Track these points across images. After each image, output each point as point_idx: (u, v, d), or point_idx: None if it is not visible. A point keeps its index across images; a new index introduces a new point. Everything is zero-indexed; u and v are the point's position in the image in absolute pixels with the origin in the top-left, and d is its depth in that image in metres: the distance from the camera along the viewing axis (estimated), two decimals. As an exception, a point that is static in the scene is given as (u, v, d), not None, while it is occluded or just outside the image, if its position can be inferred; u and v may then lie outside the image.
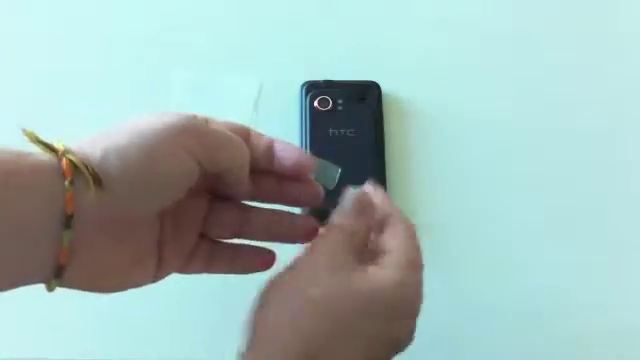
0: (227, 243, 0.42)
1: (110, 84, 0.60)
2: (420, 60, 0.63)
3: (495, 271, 0.52)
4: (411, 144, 0.58)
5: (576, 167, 0.58)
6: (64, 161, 0.33)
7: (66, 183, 0.32)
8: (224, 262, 0.42)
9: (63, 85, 0.60)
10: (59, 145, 0.34)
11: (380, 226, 0.41)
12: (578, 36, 0.64)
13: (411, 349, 0.39)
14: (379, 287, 0.37)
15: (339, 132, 0.57)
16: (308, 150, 0.56)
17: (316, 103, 0.58)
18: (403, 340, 0.39)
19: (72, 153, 0.33)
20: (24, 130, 0.34)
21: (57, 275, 0.33)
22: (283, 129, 0.58)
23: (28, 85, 0.60)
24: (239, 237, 0.42)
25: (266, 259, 0.42)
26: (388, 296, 0.37)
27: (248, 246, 0.42)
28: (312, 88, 0.58)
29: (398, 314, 0.38)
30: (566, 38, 0.64)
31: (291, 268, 0.38)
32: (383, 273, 0.38)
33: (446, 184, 0.57)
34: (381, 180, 0.55)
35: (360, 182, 0.54)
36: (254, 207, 0.42)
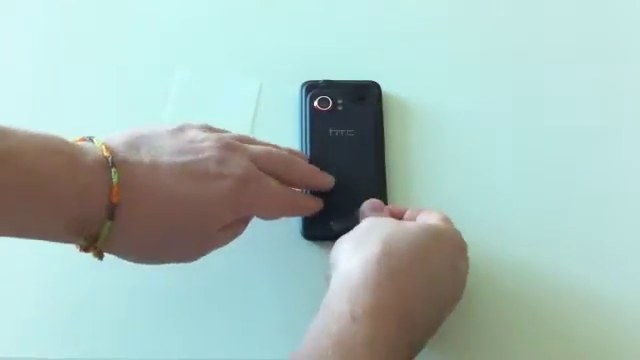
0: None
1: (110, 82, 0.60)
2: (420, 60, 0.63)
3: (497, 271, 0.52)
4: (411, 144, 0.58)
5: (576, 164, 0.58)
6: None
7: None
8: None
9: (61, 83, 0.60)
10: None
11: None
12: (578, 36, 0.64)
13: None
14: (425, 226, 0.45)
15: (339, 132, 0.57)
16: (308, 150, 0.56)
17: (316, 103, 0.57)
18: (463, 274, 0.46)
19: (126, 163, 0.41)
20: (88, 138, 0.42)
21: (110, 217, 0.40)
22: (283, 129, 0.58)
23: (27, 80, 0.60)
24: None
25: None
26: (435, 230, 0.45)
27: None
28: (312, 88, 0.58)
29: (449, 246, 0.45)
30: (566, 37, 0.64)
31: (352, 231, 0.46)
32: (425, 217, 0.48)
33: (447, 184, 0.56)
34: (381, 180, 0.55)
35: (360, 182, 0.54)
36: None
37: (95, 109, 0.59)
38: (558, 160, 0.58)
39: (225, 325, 0.50)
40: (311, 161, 0.54)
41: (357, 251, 0.43)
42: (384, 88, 0.59)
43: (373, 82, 0.59)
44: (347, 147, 0.56)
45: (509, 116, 0.60)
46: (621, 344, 0.50)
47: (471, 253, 0.47)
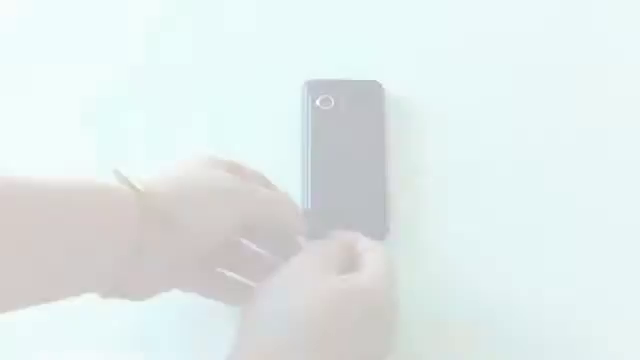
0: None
1: (110, 80, 0.61)
2: (423, 59, 0.62)
3: (499, 275, 0.52)
4: (413, 144, 0.58)
5: (579, 166, 0.57)
6: (142, 204, 0.39)
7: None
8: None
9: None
10: (140, 187, 0.39)
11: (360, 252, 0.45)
12: (578, 35, 0.64)
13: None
14: (352, 289, 0.40)
15: (340, 131, 0.56)
16: (309, 150, 0.56)
17: (318, 102, 0.57)
18: (383, 335, 0.42)
19: (151, 197, 0.39)
20: (114, 171, 0.40)
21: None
22: (285, 129, 0.58)
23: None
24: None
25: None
26: (360, 298, 0.40)
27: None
28: (314, 87, 0.58)
29: (369, 320, 0.40)
30: (567, 37, 0.64)
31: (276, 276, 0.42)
32: (357, 277, 0.41)
33: (448, 185, 0.56)
34: (381, 181, 0.55)
35: (361, 183, 0.54)
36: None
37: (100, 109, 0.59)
38: (565, 160, 0.57)
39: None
40: (312, 161, 0.55)
41: (279, 303, 0.40)
42: (386, 87, 0.59)
43: (375, 81, 0.59)
44: (348, 147, 0.56)
45: (513, 115, 0.60)
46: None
47: (471, 253, 0.47)
